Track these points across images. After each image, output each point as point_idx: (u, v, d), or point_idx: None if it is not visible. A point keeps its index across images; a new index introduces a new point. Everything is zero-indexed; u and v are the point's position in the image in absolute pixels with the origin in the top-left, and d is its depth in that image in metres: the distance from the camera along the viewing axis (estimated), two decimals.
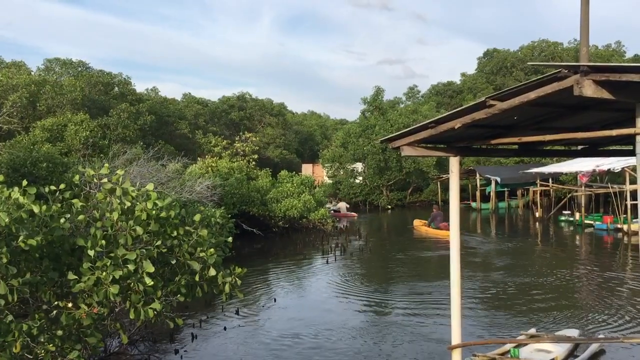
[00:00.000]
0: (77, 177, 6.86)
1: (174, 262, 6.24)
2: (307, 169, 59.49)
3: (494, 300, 14.32)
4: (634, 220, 25.75)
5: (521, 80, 49.02)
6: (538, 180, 36.15)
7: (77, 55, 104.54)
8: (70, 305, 5.92)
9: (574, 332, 10.39)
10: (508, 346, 9.32)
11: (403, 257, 21.72)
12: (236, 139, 47.45)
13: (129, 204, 5.96)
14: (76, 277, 5.61)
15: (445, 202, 36.60)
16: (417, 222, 31.81)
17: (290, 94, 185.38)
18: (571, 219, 30.91)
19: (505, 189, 40.25)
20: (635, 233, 25.35)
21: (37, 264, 5.68)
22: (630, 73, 4.52)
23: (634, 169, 24.92)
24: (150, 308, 5.85)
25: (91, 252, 5.58)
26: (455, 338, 7.35)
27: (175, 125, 49.49)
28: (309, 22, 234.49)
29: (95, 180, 6.69)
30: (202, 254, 6.26)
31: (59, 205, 6.05)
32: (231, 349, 10.96)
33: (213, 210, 10.59)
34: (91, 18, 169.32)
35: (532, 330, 10.66)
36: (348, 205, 40.55)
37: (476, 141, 7.32)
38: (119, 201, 5.98)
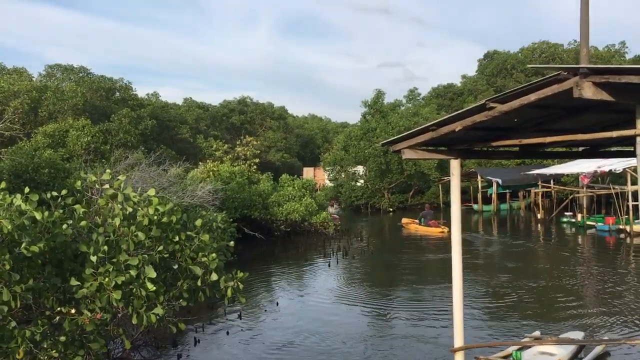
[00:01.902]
0: (79, 182, 6.88)
1: (176, 267, 6.25)
2: (308, 173, 59.51)
3: (498, 303, 14.30)
4: (635, 221, 25.71)
5: (522, 82, 49.01)
6: (539, 182, 36.11)
7: (78, 61, 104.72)
8: (73, 311, 5.93)
9: (578, 335, 10.34)
10: (511, 349, 9.29)
11: (404, 260, 21.70)
12: (237, 143, 47.50)
13: (130, 209, 5.97)
14: (79, 283, 5.61)
15: (447, 204, 36.62)
16: (405, 220, 33.36)
17: (291, 97, 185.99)
18: (573, 220, 30.87)
19: (507, 191, 40.22)
20: (638, 234, 25.31)
21: (40, 270, 5.69)
22: (629, 75, 4.52)
23: (635, 169, 24.89)
24: (153, 313, 5.85)
25: (93, 258, 5.59)
26: (458, 341, 7.33)
27: (177, 130, 49.56)
28: (309, 26, 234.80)
29: (97, 185, 6.71)
30: (204, 259, 6.27)
31: (61, 211, 6.06)
32: (234, 353, 10.97)
33: (215, 214, 10.60)
34: (92, 24, 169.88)
35: (537, 333, 10.61)
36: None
37: (477, 143, 7.32)
38: (120, 207, 5.99)
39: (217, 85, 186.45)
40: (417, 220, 31.91)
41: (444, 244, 24.01)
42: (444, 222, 30.48)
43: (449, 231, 27.64)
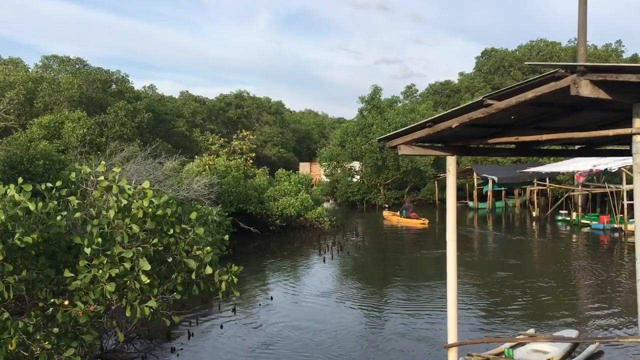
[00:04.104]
0: (73, 174, 6.84)
1: (170, 260, 6.24)
2: (304, 168, 59.48)
3: (492, 300, 14.33)
4: (630, 220, 25.79)
5: (519, 79, 48.98)
6: (535, 180, 36.21)
7: (75, 53, 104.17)
8: (66, 302, 5.91)
9: (572, 333, 10.36)
10: (504, 346, 9.31)
11: (399, 256, 21.74)
12: (234, 137, 47.37)
13: (125, 201, 5.94)
14: (72, 274, 5.59)
15: (443, 201, 36.77)
16: (386, 213, 36.12)
17: (288, 92, 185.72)
18: (568, 218, 30.98)
19: (503, 189, 40.34)
20: (632, 233, 25.38)
21: (34, 262, 5.67)
22: (626, 73, 4.52)
23: (630, 168, 24.95)
24: (147, 306, 5.84)
25: (87, 250, 5.57)
26: (452, 337, 7.35)
27: (173, 123, 49.47)
28: (306, 22, 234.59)
29: (92, 177, 6.69)
30: (198, 252, 6.26)
31: (56, 202, 6.03)
32: (228, 347, 10.96)
33: (210, 208, 10.59)
34: (89, 16, 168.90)
35: (531, 331, 10.65)
36: None
37: (473, 140, 7.31)
38: (115, 199, 5.97)
39: (214, 79, 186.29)
40: (398, 213, 34.22)
41: (439, 239, 24.06)
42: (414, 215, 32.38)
43: (429, 223, 28.90)
